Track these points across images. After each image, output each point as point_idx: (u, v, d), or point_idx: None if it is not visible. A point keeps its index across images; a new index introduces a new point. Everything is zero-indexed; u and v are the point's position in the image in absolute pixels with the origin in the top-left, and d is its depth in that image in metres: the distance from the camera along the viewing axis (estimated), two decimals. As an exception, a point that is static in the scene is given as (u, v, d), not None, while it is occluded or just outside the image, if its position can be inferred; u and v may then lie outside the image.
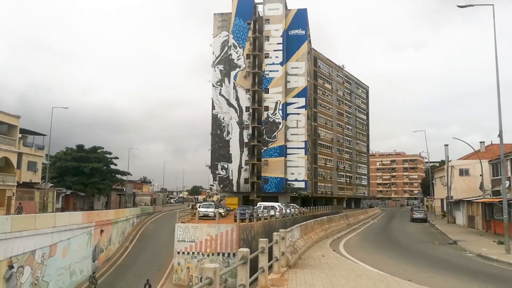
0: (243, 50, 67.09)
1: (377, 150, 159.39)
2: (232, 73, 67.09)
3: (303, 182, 64.51)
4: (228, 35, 68.10)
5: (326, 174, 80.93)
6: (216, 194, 79.87)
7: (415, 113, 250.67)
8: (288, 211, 38.20)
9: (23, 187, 43.07)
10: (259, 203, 43.18)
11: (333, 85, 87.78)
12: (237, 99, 66.31)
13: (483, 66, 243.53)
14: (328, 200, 78.18)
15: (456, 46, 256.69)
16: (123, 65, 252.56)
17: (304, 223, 23.70)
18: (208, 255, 28.08)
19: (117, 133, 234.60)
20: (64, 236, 30.01)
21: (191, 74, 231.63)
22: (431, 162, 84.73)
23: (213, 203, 43.59)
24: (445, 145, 50.89)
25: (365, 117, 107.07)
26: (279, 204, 42.74)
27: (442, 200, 59.02)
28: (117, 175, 62.49)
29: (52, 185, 51.20)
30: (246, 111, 65.61)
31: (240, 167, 65.13)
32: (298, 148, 65.10)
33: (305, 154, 65.52)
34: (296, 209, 42.77)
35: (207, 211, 34.07)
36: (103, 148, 58.87)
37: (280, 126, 64.66)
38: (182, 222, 30.53)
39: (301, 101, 66.24)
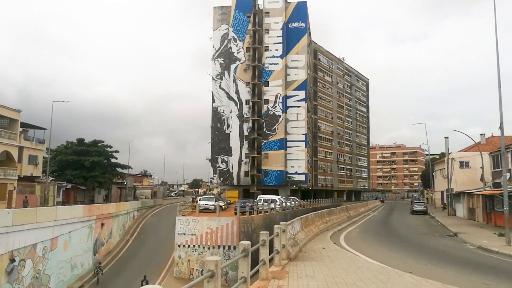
0: (243, 43, 66.80)
1: (377, 143, 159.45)
2: (232, 66, 66.87)
3: (303, 175, 64.54)
4: (228, 28, 67.78)
5: (326, 167, 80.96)
6: (216, 187, 79.96)
7: (415, 105, 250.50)
8: (288, 204, 38.24)
9: (24, 181, 43.17)
10: (259, 196, 43.22)
11: (333, 77, 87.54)
12: (237, 92, 66.15)
13: (483, 59, 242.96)
14: (328, 193, 78.27)
15: (456, 39, 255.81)
16: (124, 59, 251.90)
17: (304, 216, 23.72)
18: (208, 248, 28.17)
19: (117, 127, 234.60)
20: (65, 229, 30.08)
21: (191, 67, 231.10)
22: (431, 155, 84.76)
23: (213, 196, 43.63)
24: (445, 137, 50.82)
25: (365, 110, 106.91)
26: (279, 197, 42.79)
27: (442, 192, 59.09)
28: (117, 169, 62.56)
29: (52, 179, 51.30)
30: (246, 104, 65.47)
31: (240, 160, 65.14)
32: (298, 141, 65.04)
33: (305, 147, 65.49)
34: (297, 202, 42.81)
35: (207, 204, 34.06)
36: (103, 141, 58.95)
37: (280, 119, 64.56)
38: (182, 215, 30.62)
39: (301, 94, 66.08)
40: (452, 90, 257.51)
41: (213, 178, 69.14)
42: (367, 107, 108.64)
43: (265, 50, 66.29)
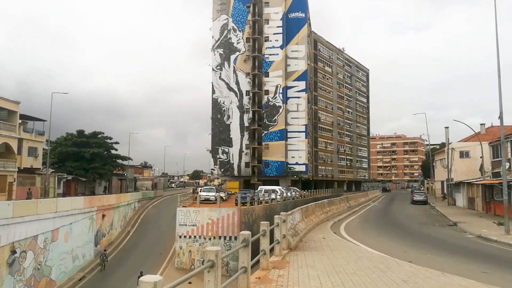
0: (243, 34, 66.42)
1: (378, 133, 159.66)
2: (232, 57, 66.57)
3: (304, 166, 64.60)
4: (227, 18, 67.34)
5: (327, 158, 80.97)
6: (217, 178, 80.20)
7: (415, 95, 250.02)
8: (289, 194, 38.34)
9: (24, 172, 43.17)
10: (260, 187, 43.33)
11: (333, 68, 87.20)
12: (237, 83, 65.94)
13: (484, 49, 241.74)
14: (328, 183, 78.41)
15: (457, 29, 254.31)
16: (123, 50, 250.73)
17: (305, 206, 23.77)
18: (209, 239, 28.30)
19: (117, 118, 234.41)
20: (66, 221, 30.17)
21: (191, 58, 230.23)
22: (431, 145, 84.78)
23: (214, 187, 43.79)
24: (445, 127, 50.84)
25: (365, 100, 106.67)
26: (280, 187, 42.87)
27: (442, 182, 59.17)
28: (118, 160, 62.58)
29: (53, 170, 51.31)
30: (246, 95, 65.31)
31: (240, 151, 65.16)
32: (298, 131, 65.00)
33: (306, 138, 65.47)
34: (297, 193, 42.93)
35: (208, 195, 34.20)
36: (103, 133, 58.94)
37: (281, 110, 64.45)
38: (183, 206, 30.70)
39: (301, 84, 65.86)
40: (453, 80, 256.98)
41: (213, 169, 69.20)
42: (367, 97, 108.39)
43: (265, 41, 65.94)
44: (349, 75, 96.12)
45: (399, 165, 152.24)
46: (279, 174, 63.11)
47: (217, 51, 67.58)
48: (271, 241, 10.77)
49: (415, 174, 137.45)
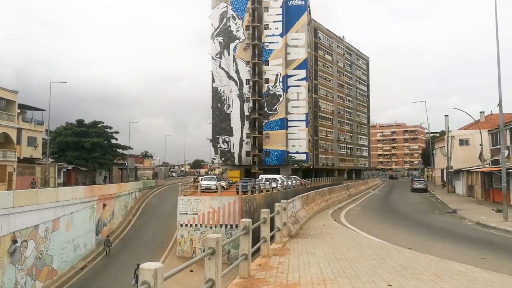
0: (242, 22, 65.91)
1: (378, 122, 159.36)
2: (232, 45, 66.16)
3: (304, 154, 64.65)
4: (226, 6, 66.76)
5: (327, 146, 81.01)
6: (218, 168, 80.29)
7: (415, 83, 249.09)
8: (289, 183, 38.44)
9: (24, 162, 43.17)
10: (260, 176, 43.43)
11: (334, 56, 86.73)
12: (237, 71, 65.65)
13: (484, 36, 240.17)
14: (329, 171, 78.58)
15: (457, 16, 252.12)
16: (121, 38, 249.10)
17: (305, 194, 23.85)
18: (211, 227, 28.46)
19: (116, 107, 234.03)
20: (66, 210, 30.30)
21: (190, 47, 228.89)
22: (431, 133, 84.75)
23: (215, 176, 43.88)
24: (445, 115, 50.70)
25: (365, 89, 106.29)
26: (280, 176, 42.97)
27: (442, 170, 59.29)
28: (118, 150, 62.54)
29: (53, 160, 51.31)
30: (246, 84, 65.07)
31: (241, 140, 65.15)
32: (299, 120, 64.88)
33: (306, 127, 65.37)
34: (298, 181, 43.03)
35: (209, 184, 34.31)
36: (103, 122, 58.75)
37: (281, 99, 64.26)
38: (184, 195, 30.85)
39: (302, 73, 65.56)
40: (452, 68, 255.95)
41: (214, 159, 69.24)
42: (368, 85, 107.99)
43: (265, 29, 65.47)
44: (349, 63, 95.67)
45: (399, 153, 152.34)
46: (279, 163, 63.19)
47: (217, 39, 67.15)
48: (272, 228, 10.85)
49: (415, 162, 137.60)
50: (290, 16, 65.71)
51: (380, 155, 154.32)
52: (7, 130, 39.85)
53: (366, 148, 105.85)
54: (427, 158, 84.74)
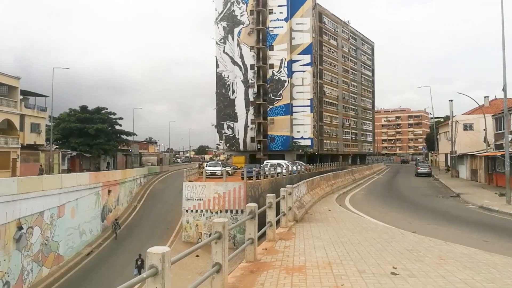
0: (247, 6, 65.25)
1: (382, 107, 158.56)
2: (236, 30, 65.65)
3: (309, 140, 64.61)
4: (230, -10, 66.03)
5: (332, 132, 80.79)
6: (223, 153, 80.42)
7: (420, 68, 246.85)
8: (294, 168, 38.51)
9: (28, 149, 42.90)
10: (265, 161, 43.53)
11: (339, 41, 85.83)
12: (241, 57, 65.27)
13: (489, 21, 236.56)
14: (333, 157, 78.57)
15: (462, 0, 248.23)
16: (123, 23, 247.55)
17: (310, 179, 23.92)
18: (216, 213, 28.67)
19: (119, 94, 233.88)
20: (71, 197, 30.37)
21: (194, 32, 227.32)
22: (435, 118, 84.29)
23: (220, 162, 44.02)
24: (449, 100, 50.50)
25: (370, 74, 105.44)
26: (285, 161, 43.05)
27: (446, 155, 59.19)
28: (122, 136, 62.52)
29: (57, 147, 51.18)
30: (251, 69, 64.75)
31: (246, 126, 65.13)
32: (303, 106, 64.66)
33: (311, 112, 65.18)
34: (303, 166, 43.09)
35: (214, 170, 34.39)
36: (107, 108, 58.52)
37: (286, 84, 63.97)
38: (189, 181, 30.99)
39: (307, 58, 65.06)
40: (458, 53, 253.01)
41: (219, 144, 69.35)
42: (372, 71, 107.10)
43: (269, 13, 64.83)
44: (354, 48, 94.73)
45: (404, 138, 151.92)
46: (284, 148, 63.23)
47: (221, 24, 66.62)
48: (278, 213, 10.93)
49: (419, 147, 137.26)
50: (295, 0, 64.94)
51: (385, 140, 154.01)
52: (10, 117, 39.61)
53: (371, 134, 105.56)
54: (431, 143, 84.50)
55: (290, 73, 64.16)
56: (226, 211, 28.68)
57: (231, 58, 65.84)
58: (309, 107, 64.90)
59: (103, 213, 36.72)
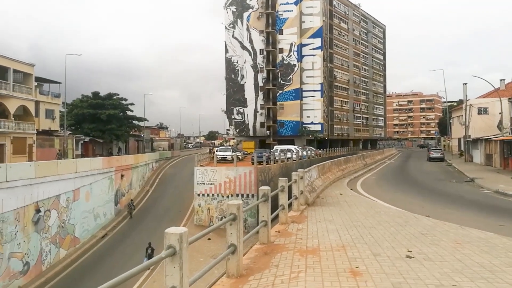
0: (256, -11, 64.40)
1: (394, 91, 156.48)
2: (245, 15, 64.98)
3: (319, 125, 64.19)
4: (239, -27, 65.18)
5: (342, 116, 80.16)
6: (233, 139, 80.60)
7: (433, 52, 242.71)
8: (304, 153, 38.41)
9: (43, 135, 43.84)
10: (275, 146, 43.48)
11: (349, 24, 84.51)
12: (250, 41, 64.73)
13: (505, 2, 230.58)
14: (344, 142, 78.02)
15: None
16: (133, 9, 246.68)
17: (321, 163, 23.84)
18: (227, 197, 28.82)
19: (130, 79, 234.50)
20: (86, 181, 31.00)
21: (203, 17, 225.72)
22: (449, 102, 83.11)
23: (230, 147, 44.17)
24: (463, 83, 49.39)
25: (382, 57, 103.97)
26: (295, 147, 42.93)
27: (459, 139, 58.48)
28: (133, 121, 62.99)
29: (70, 132, 51.95)
30: (260, 54, 64.23)
31: (255, 111, 64.94)
32: (314, 90, 64.05)
33: (321, 97, 64.59)
34: (313, 152, 42.94)
35: (224, 155, 34.60)
36: (118, 94, 58.96)
37: (296, 69, 63.39)
38: (201, 166, 31.19)
39: (317, 41, 64.21)
40: (473, 35, 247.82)
41: (229, 130, 69.40)
42: (384, 54, 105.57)
43: (279, -4, 63.92)
44: (365, 31, 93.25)
45: (416, 122, 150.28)
46: (294, 133, 63.00)
47: (230, 9, 65.99)
48: (289, 197, 10.91)
49: (431, 132, 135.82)
50: (305, -18, 63.87)
51: (396, 124, 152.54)
52: (26, 103, 40.33)
53: (382, 118, 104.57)
54: (444, 127, 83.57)
55: (300, 57, 63.50)
56: (237, 195, 28.79)
57: (240, 43, 65.34)
58: (319, 92, 64.30)
59: (116, 197, 37.25)
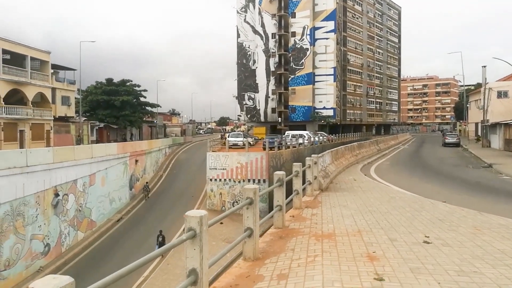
0: (268, -28, 63.43)
1: (409, 75, 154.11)
2: (257, -2, 64.16)
3: (332, 110, 63.52)
4: (251, -44, 64.20)
5: (356, 101, 79.21)
6: (244, 124, 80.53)
7: (450, 35, 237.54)
8: (316, 139, 38.19)
9: (59, 121, 44.56)
10: (287, 132, 43.30)
11: (364, 6, 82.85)
12: (262, 25, 64.04)
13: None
14: (356, 127, 77.28)
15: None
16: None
17: (334, 149, 23.68)
18: (239, 182, 28.94)
19: (142, 66, 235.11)
20: (101, 166, 31.53)
21: (215, 2, 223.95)
22: (466, 85, 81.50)
23: (241, 133, 44.16)
24: (482, 66, 48.15)
25: (396, 40, 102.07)
26: (307, 132, 42.69)
27: (476, 124, 57.44)
28: (147, 107, 63.41)
29: (85, 118, 52.65)
30: (272, 38, 63.56)
31: (267, 96, 64.60)
32: (326, 75, 63.22)
33: (334, 81, 63.76)
34: (325, 137, 42.66)
35: (236, 141, 34.65)
36: (131, 81, 59.35)
37: (308, 53, 62.62)
38: (213, 151, 31.32)
39: (330, 24, 63.15)
40: (493, 16, 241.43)
41: (240, 115, 69.34)
42: (399, 37, 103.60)
43: (291, -21, 62.91)
44: (380, 13, 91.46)
45: (430, 107, 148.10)
46: (306, 119, 62.57)
47: (242, -8, 65.20)
48: (303, 182, 10.85)
49: (447, 117, 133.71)
50: (318, -36, 62.63)
51: (410, 109, 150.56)
52: (43, 90, 40.93)
53: (396, 103, 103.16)
54: (460, 112, 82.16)
55: (313, 41, 62.64)
56: (249, 180, 28.86)
57: (252, 27, 64.71)
58: (332, 76, 63.47)
59: (131, 181, 37.77)
